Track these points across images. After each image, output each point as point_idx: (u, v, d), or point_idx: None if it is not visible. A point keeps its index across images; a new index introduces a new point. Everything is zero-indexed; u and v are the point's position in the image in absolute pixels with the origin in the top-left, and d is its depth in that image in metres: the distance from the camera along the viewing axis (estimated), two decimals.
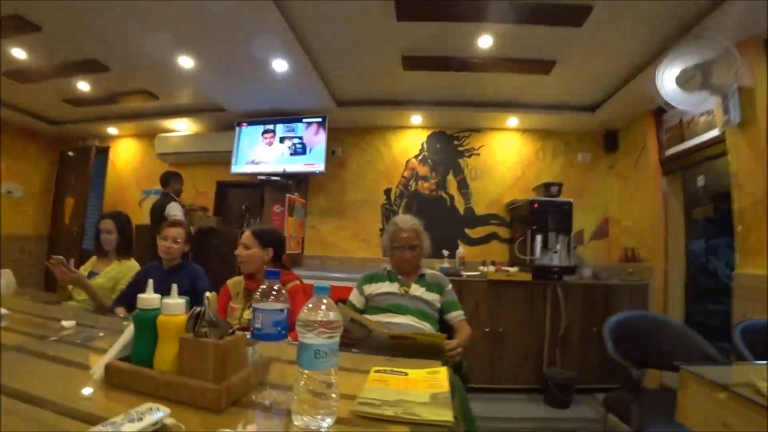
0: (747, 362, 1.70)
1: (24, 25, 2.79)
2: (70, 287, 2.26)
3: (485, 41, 2.94)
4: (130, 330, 0.97)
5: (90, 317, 1.68)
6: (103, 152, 5.30)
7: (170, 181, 4.09)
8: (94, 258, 2.51)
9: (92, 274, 2.37)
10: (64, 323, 1.42)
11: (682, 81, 2.47)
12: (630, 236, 4.01)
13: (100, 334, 1.36)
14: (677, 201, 3.60)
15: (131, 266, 2.44)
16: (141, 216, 4.36)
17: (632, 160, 4.02)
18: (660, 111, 3.61)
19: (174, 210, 3.82)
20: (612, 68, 3.26)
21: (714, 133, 2.95)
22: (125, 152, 5.28)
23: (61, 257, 2.10)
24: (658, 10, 2.47)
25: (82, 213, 4.99)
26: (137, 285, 2.18)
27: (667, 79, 2.52)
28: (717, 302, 2.87)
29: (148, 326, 0.92)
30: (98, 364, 0.91)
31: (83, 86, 3.93)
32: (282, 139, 4.24)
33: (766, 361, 1.36)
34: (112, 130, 5.12)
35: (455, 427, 0.83)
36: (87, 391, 0.89)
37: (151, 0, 2.42)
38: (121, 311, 2.07)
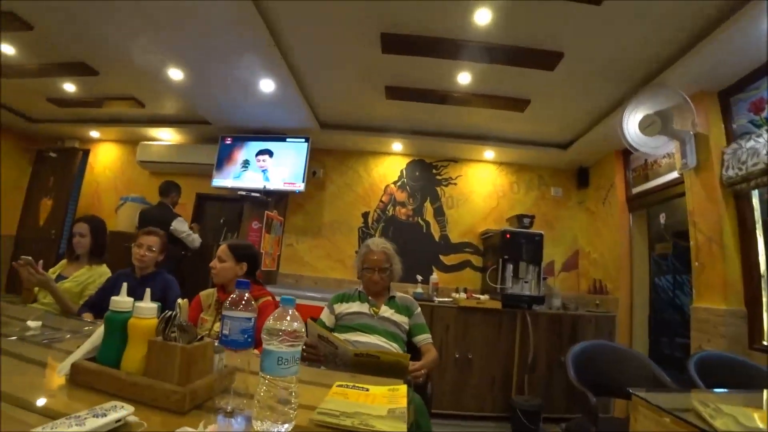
0: (697, 390, 1.79)
1: (17, 23, 2.81)
2: (36, 289, 2.21)
3: (464, 78, 3.11)
4: (99, 332, 0.99)
5: (56, 319, 1.67)
6: (83, 155, 5.23)
7: (170, 192, 4.00)
8: (64, 261, 2.47)
9: (61, 277, 2.33)
10: (30, 323, 1.41)
11: (644, 126, 2.65)
12: (597, 269, 4.16)
13: (67, 336, 1.36)
14: (642, 237, 3.78)
15: (102, 272, 2.41)
16: (116, 222, 4.31)
17: (601, 197, 4.21)
18: (627, 151, 3.81)
19: (182, 226, 3.77)
20: (582, 109, 3.46)
21: (674, 174, 3.15)
22: (105, 157, 5.22)
23: (29, 258, 2.06)
24: (623, 60, 2.69)
25: (63, 216, 4.86)
26: (107, 292, 2.16)
27: (631, 123, 2.71)
28: (683, 336, 2.98)
29: (118, 328, 0.95)
30: (65, 362, 0.93)
31: (69, 87, 3.92)
32: (270, 155, 4.30)
33: (717, 390, 1.45)
34: (93, 134, 5.07)
35: None
36: (50, 388, 0.91)
37: (146, 11, 2.48)
38: (88, 317, 2.03)
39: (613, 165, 4.00)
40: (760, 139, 2.34)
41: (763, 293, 2.45)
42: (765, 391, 1.49)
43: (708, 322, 2.58)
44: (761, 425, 0.97)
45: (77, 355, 0.95)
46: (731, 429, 0.93)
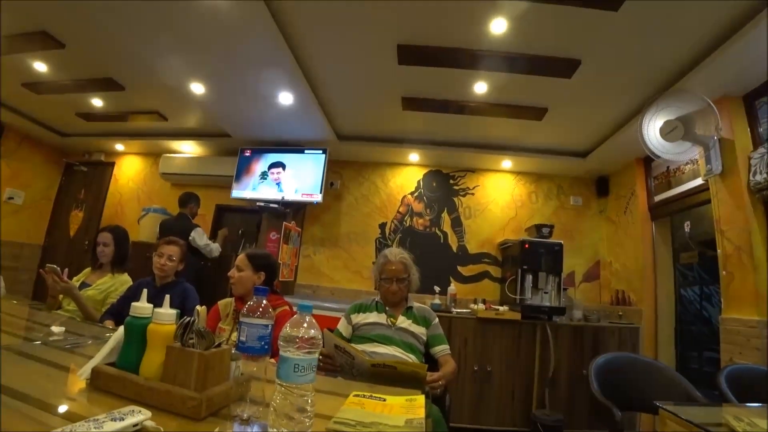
0: (727, 404, 1.71)
1: (49, 42, 2.94)
2: (60, 297, 2.27)
3: (481, 87, 3.10)
4: (116, 336, 1.01)
5: (79, 326, 1.70)
6: (108, 167, 5.41)
7: (189, 203, 4.09)
8: (88, 269, 2.54)
9: (84, 285, 2.39)
10: (54, 329, 1.45)
11: (666, 132, 2.59)
12: (620, 279, 4.05)
13: (89, 342, 1.39)
14: (666, 246, 3.68)
15: (124, 280, 2.46)
16: (138, 232, 4.42)
17: (622, 205, 4.12)
18: (648, 158, 3.74)
19: (201, 238, 3.85)
20: (601, 117, 3.41)
21: (698, 181, 3.07)
22: (129, 169, 5.37)
23: (54, 266, 2.12)
24: (642, 65, 2.65)
25: (96, 227, 4.95)
26: (128, 299, 2.19)
27: (652, 129, 2.66)
28: (712, 349, 2.87)
29: (137, 333, 0.96)
30: (86, 366, 0.95)
31: (97, 102, 4.07)
32: (283, 168, 4.35)
33: (750, 404, 1.38)
34: (119, 147, 5.23)
35: None
36: (71, 391, 0.93)
37: (172, 28, 2.55)
38: (110, 324, 2.07)
39: (634, 173, 3.93)
40: None
41: None
42: None
43: (739, 333, 2.48)
44: None
45: (97, 359, 0.97)
46: None
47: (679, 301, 3.55)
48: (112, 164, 5.38)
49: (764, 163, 2.41)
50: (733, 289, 2.60)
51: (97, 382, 0.93)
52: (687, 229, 3.40)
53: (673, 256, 3.65)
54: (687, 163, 3.27)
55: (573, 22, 2.30)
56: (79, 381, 0.95)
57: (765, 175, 2.39)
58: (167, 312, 0.98)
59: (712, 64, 2.41)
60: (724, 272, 2.64)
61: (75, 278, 2.41)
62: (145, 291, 1.03)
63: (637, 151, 3.40)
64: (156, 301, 1.05)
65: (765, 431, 0.96)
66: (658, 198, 3.68)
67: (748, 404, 1.53)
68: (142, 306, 1.00)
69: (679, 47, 2.44)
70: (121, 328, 1.00)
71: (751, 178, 2.52)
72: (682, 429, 1.16)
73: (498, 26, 2.40)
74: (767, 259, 2.46)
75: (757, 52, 2.25)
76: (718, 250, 2.71)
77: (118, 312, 2.17)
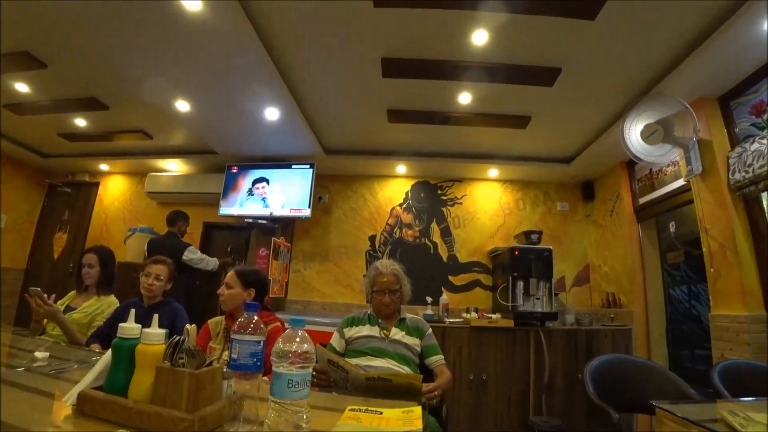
0: (722, 400, 1.72)
1: (31, 62, 2.91)
2: (44, 321, 2.20)
3: (465, 98, 3.15)
4: (103, 360, 0.98)
5: (64, 350, 1.66)
6: (93, 187, 5.32)
7: (178, 221, 4.06)
8: (73, 292, 2.47)
9: (69, 308, 2.32)
10: (38, 354, 1.40)
11: (646, 135, 2.66)
12: (609, 282, 4.09)
13: (74, 367, 1.35)
14: (653, 247, 3.74)
15: (110, 302, 2.40)
16: (125, 253, 4.34)
17: (608, 209, 4.19)
18: (631, 162, 3.83)
19: (195, 254, 3.84)
20: (583, 123, 3.48)
21: (680, 182, 3.14)
22: (114, 188, 5.29)
23: (38, 289, 2.07)
24: (620, 71, 2.72)
25: (81, 249, 4.84)
26: (115, 321, 2.14)
27: (633, 133, 2.72)
28: (703, 348, 2.90)
29: (125, 355, 0.93)
30: (72, 391, 0.92)
31: (80, 122, 4.02)
32: (270, 183, 4.33)
33: (744, 399, 1.39)
34: (103, 166, 5.15)
35: None
36: (56, 419, 0.89)
37: (156, 46, 2.55)
38: (96, 347, 2.01)
39: (618, 176, 4.00)
40: (765, 141, 2.33)
41: None
42: None
43: (729, 329, 2.52)
44: None
45: (83, 384, 0.93)
46: None
47: (668, 301, 3.59)
48: (97, 184, 5.30)
49: (742, 161, 2.47)
50: (720, 286, 2.64)
51: (84, 408, 0.90)
52: (672, 229, 3.46)
53: (660, 256, 3.71)
54: (669, 165, 3.35)
55: (552, 31, 2.36)
56: (64, 407, 0.92)
57: (743, 174, 2.46)
58: (156, 332, 0.95)
59: (687, 67, 2.48)
60: (712, 270, 2.68)
61: (60, 301, 2.34)
62: (132, 311, 1.01)
63: (620, 155, 3.47)
64: (144, 321, 1.03)
65: (760, 423, 0.96)
66: (642, 200, 3.75)
67: (741, 399, 1.54)
68: (130, 326, 0.97)
69: (655, 52, 2.51)
70: (110, 351, 0.98)
71: (730, 176, 2.59)
72: (680, 427, 1.16)
73: (479, 38, 2.45)
74: (752, 256, 2.52)
75: (730, 55, 2.33)
76: (704, 249, 2.76)
77: (105, 335, 2.11)
